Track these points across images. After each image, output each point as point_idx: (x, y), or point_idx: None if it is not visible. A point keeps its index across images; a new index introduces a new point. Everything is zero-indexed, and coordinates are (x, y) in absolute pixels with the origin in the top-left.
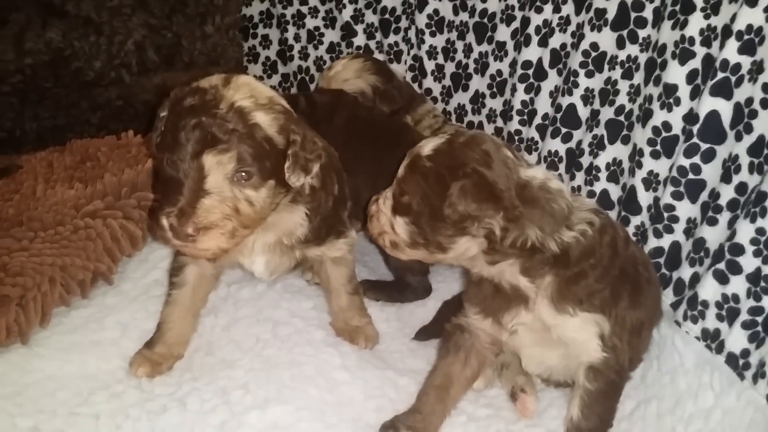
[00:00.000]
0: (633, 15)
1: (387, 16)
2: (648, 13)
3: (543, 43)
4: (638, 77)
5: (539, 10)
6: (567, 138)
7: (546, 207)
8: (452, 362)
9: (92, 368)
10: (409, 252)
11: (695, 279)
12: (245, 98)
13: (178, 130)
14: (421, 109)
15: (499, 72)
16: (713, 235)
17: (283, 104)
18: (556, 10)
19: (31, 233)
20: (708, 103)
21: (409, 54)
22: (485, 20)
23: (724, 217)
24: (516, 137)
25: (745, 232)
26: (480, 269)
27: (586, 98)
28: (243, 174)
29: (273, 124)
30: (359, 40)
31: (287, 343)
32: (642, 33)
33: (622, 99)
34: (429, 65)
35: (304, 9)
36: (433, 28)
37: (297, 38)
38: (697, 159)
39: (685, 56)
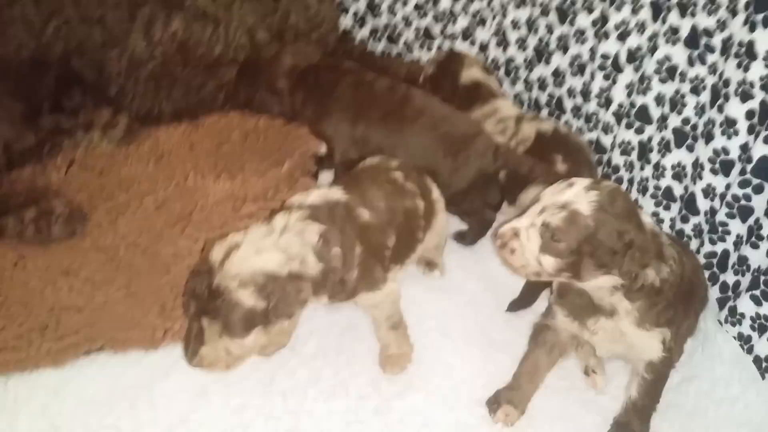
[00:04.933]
0: (702, 39)
1: None
2: (717, 41)
3: (621, 39)
4: (704, 97)
5: (618, 8)
6: (639, 131)
7: (661, 252)
8: (539, 353)
9: None
10: (546, 277)
11: (737, 285)
12: (232, 278)
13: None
14: (482, 108)
15: (580, 54)
16: (754, 257)
17: (267, 271)
18: (634, 12)
19: (203, 234)
20: (760, 149)
21: (493, 20)
22: (567, 4)
23: (765, 245)
24: (592, 118)
25: None
26: (585, 286)
27: (658, 100)
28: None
29: (251, 297)
30: (445, 2)
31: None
32: (710, 58)
33: (688, 111)
34: (512, 35)
35: None
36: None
37: None
38: (748, 190)
39: (745, 96)
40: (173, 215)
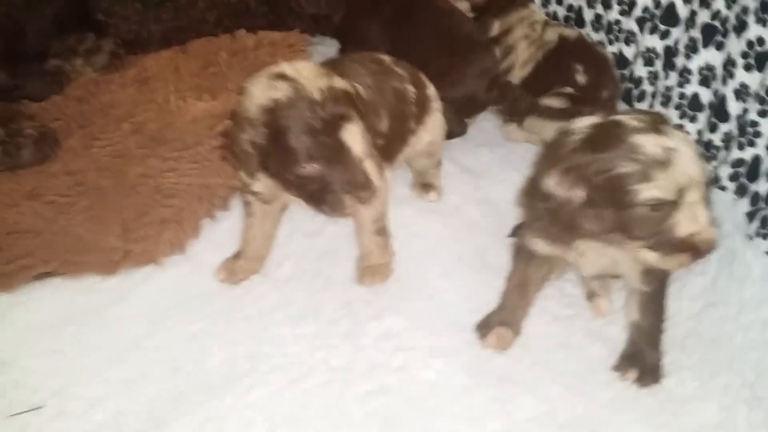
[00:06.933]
0: None
1: None
2: None
3: None
4: None
5: None
6: (665, 35)
7: None
8: (526, 267)
9: None
10: None
11: None
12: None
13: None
14: (514, 15)
15: None
16: None
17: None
18: None
19: (175, 153)
20: None
21: None
22: None
23: None
24: (615, 26)
25: None
26: None
27: None
28: None
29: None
30: None
31: (394, 256)
32: None
33: (719, 4)
34: None
35: None
36: None
37: None
38: None
39: None
40: (146, 136)
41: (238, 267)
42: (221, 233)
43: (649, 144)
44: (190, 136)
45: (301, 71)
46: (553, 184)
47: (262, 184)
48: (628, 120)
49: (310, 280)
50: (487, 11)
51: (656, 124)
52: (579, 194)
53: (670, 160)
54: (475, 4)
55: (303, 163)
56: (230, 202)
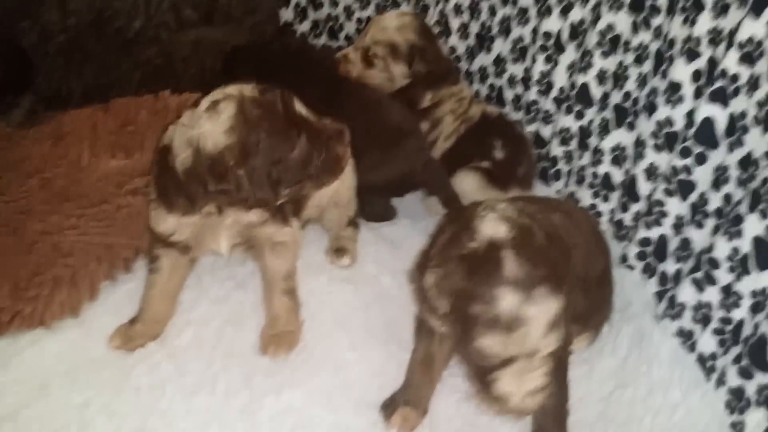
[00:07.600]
0: (648, 1)
1: None
2: (663, 1)
3: (563, 15)
4: (647, 66)
5: None
6: (579, 116)
7: None
8: (429, 342)
9: None
10: None
11: (678, 274)
12: None
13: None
14: (446, 90)
15: (521, 38)
16: (699, 237)
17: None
18: None
19: (79, 210)
20: (705, 109)
21: (435, 8)
22: None
23: (710, 222)
24: (533, 107)
25: (722, 248)
26: None
27: (600, 79)
28: None
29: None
30: None
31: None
32: (655, 21)
33: (630, 86)
34: (454, 22)
35: None
36: None
37: None
38: (689, 161)
39: (691, 55)
40: (52, 193)
41: (135, 332)
42: (120, 296)
43: (510, 303)
44: (97, 193)
45: (226, 90)
46: (429, 281)
47: (188, 229)
48: (513, 269)
49: (210, 350)
50: (423, 81)
51: (536, 281)
52: (442, 304)
53: (513, 328)
54: (416, 72)
55: (293, 144)
56: (133, 264)
